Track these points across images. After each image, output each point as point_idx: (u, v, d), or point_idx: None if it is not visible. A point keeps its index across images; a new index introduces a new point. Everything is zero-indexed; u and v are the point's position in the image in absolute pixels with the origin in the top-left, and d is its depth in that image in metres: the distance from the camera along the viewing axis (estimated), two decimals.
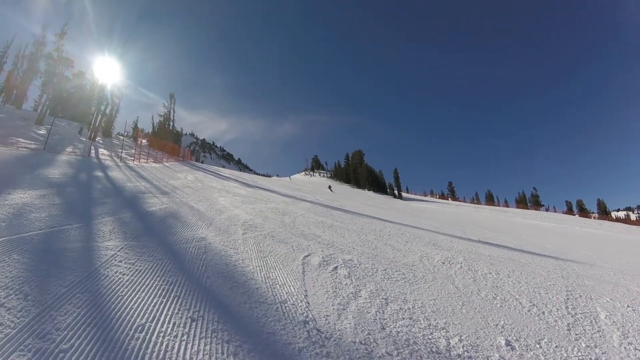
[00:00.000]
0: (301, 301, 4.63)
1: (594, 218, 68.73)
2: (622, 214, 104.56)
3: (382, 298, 5.33)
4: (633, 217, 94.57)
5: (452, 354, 3.89)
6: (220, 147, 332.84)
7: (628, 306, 7.25)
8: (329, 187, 61.07)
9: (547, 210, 79.92)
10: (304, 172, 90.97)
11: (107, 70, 41.13)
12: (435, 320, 4.84)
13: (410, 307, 5.18)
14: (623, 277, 10.47)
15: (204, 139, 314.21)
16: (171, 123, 64.31)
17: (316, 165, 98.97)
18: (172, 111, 64.61)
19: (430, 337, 4.25)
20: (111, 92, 45.26)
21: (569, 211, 79.28)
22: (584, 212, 77.12)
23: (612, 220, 66.99)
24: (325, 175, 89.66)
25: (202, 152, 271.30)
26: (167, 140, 51.20)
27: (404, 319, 4.67)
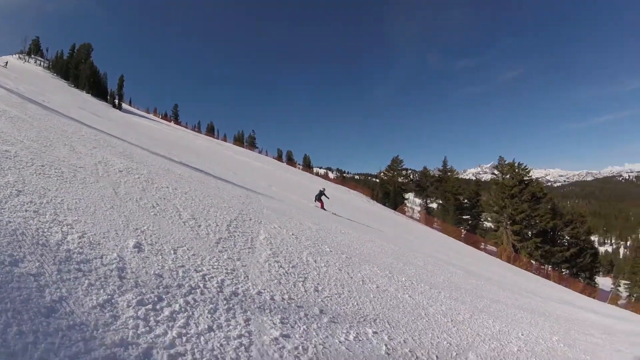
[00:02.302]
0: None
1: (299, 168, 77.31)
2: (323, 171, 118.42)
3: (16, 190, 4.96)
4: (331, 175, 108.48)
5: (61, 248, 3.81)
6: None
7: (293, 234, 8.23)
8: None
9: (260, 152, 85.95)
10: (17, 55, 76.92)
11: None
12: (65, 216, 4.70)
13: (45, 202, 4.94)
14: (302, 215, 11.88)
15: None
16: None
17: (35, 50, 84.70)
18: None
19: (46, 230, 4.09)
20: None
21: (279, 158, 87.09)
22: (291, 162, 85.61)
23: (312, 173, 76.10)
24: (42, 64, 77.54)
25: None
26: None
27: (27, 211, 4.42)
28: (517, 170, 52.21)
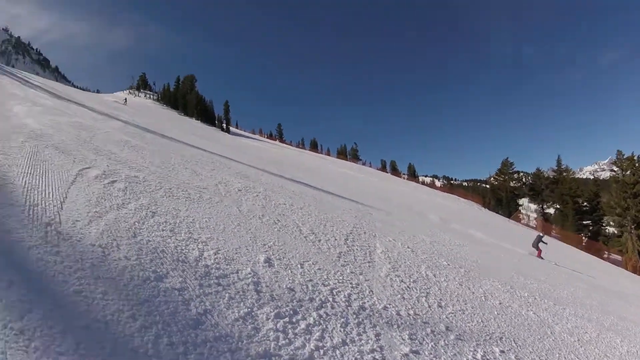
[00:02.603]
0: (54, 206, 4.47)
1: (404, 178, 75.12)
2: (428, 180, 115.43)
3: (151, 211, 5.36)
4: (438, 183, 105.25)
5: (199, 264, 4.07)
6: (37, 50, 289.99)
7: (408, 247, 8.12)
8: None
9: (364, 164, 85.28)
10: (128, 91, 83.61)
11: None
12: (198, 234, 5.00)
13: (178, 221, 5.29)
14: (412, 226, 11.75)
15: (19, 37, 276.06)
16: None
17: (143, 85, 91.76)
18: None
19: (183, 248, 4.39)
20: None
21: (383, 168, 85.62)
22: (395, 172, 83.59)
23: (418, 182, 73.94)
24: (151, 97, 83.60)
25: (14, 54, 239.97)
26: None
27: (164, 230, 4.77)
28: (637, 164, 45.24)
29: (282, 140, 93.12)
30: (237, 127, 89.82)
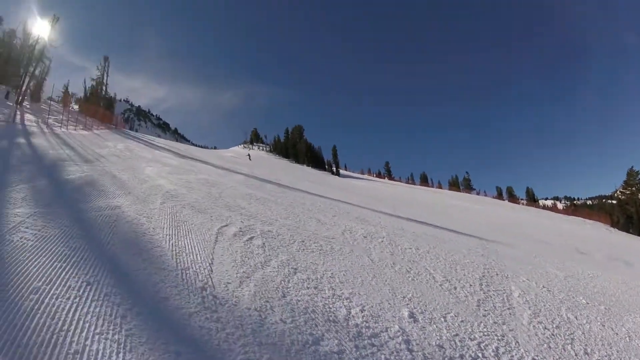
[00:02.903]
0: (204, 269, 4.62)
1: (523, 204, 70.87)
2: (549, 203, 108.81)
3: (292, 268, 5.39)
4: (560, 206, 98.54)
5: (350, 323, 3.97)
6: (157, 115, 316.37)
7: (544, 287, 7.58)
8: (248, 155, 59.94)
9: (478, 193, 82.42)
10: (242, 145, 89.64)
11: (38, 30, 38.47)
12: (341, 290, 4.93)
13: (319, 277, 5.27)
14: (543, 260, 10.97)
15: (139, 106, 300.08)
16: (104, 88, 61.12)
17: (255, 139, 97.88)
18: (105, 75, 60.88)
19: (331, 306, 4.32)
20: (42, 52, 42.56)
21: (499, 196, 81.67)
22: (513, 198, 79.44)
23: (539, 207, 69.56)
24: (264, 149, 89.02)
25: (136, 120, 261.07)
26: (99, 107, 48.87)
27: (308, 288, 4.74)
28: None
29: (390, 178, 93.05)
30: (345, 169, 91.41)
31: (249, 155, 59.94)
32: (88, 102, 52.34)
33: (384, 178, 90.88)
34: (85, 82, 63.16)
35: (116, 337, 2.90)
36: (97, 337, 2.87)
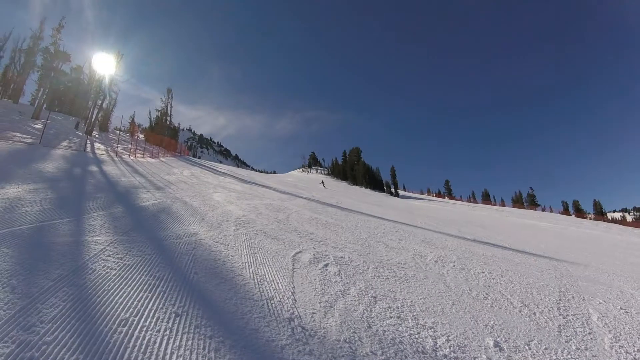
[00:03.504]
0: (288, 298, 4.62)
1: (590, 219, 68.10)
2: (618, 215, 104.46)
3: (371, 296, 5.33)
4: (629, 218, 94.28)
5: (438, 354, 3.89)
6: (218, 142, 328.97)
7: (621, 308, 7.24)
8: (322, 182, 60.86)
9: (543, 210, 79.73)
10: (301, 169, 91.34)
11: (104, 65, 40.45)
12: (423, 319, 4.84)
13: (399, 305, 5.18)
14: (617, 279, 10.47)
15: (201, 135, 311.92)
16: (168, 118, 63.73)
17: (313, 162, 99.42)
18: (169, 106, 63.92)
19: (417, 336, 4.24)
20: (108, 86, 44.72)
21: (565, 211, 78.98)
22: (580, 213, 76.82)
23: (607, 221, 66.61)
24: (322, 172, 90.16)
25: (199, 147, 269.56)
26: (164, 136, 50.80)
27: (391, 317, 4.67)
28: None
29: (451, 197, 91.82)
30: (404, 190, 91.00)
31: (322, 182, 60.88)
32: (153, 131, 54.53)
33: (445, 197, 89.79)
34: (150, 113, 66.27)
35: None
36: None
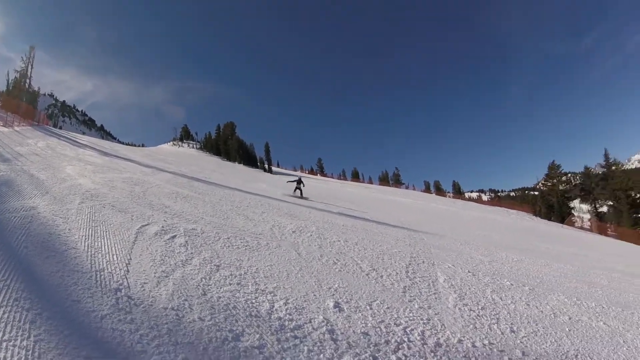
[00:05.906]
0: (120, 269, 4.52)
1: (449, 197, 73.62)
2: (475, 195, 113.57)
3: (214, 265, 5.37)
4: (485, 197, 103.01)
5: (272, 317, 4.00)
6: (82, 111, 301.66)
7: (469, 271, 7.88)
8: (298, 181, 56.19)
9: (407, 188, 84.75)
10: (171, 142, 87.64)
11: None
12: (265, 285, 4.96)
13: (243, 273, 5.27)
14: (468, 247, 11.40)
15: (64, 101, 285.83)
16: (27, 81, 57.48)
17: (186, 136, 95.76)
18: (29, 66, 57.53)
19: (254, 301, 4.34)
20: None
21: (427, 190, 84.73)
22: (440, 191, 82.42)
23: (465, 199, 72.35)
24: (194, 146, 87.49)
25: (60, 116, 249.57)
26: (21, 102, 46.19)
27: (231, 284, 4.73)
28: None
29: (323, 174, 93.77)
30: (278, 166, 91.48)
31: (297, 181, 55.90)
32: (9, 95, 49.30)
33: (317, 174, 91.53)
34: (8, 75, 59.25)
35: (24, 343, 2.81)
36: (4, 344, 2.77)
